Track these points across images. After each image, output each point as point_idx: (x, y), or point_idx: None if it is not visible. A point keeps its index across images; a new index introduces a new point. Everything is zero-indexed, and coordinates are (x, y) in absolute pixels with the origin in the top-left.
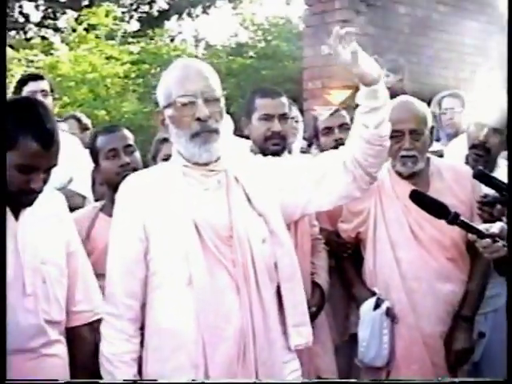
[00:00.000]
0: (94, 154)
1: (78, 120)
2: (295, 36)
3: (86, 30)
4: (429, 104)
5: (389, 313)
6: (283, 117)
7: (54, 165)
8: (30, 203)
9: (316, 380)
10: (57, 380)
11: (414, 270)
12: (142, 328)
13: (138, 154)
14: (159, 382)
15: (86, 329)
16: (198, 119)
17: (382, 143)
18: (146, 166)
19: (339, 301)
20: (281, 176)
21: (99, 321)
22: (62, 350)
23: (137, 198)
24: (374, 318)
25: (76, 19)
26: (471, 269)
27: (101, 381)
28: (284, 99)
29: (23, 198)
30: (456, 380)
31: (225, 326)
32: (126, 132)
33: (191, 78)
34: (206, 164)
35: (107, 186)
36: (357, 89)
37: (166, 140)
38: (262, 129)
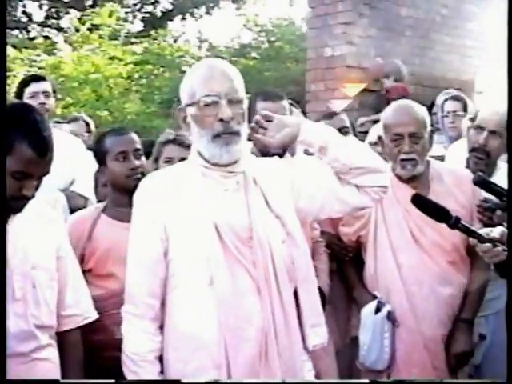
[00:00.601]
0: (101, 155)
1: (86, 122)
2: (298, 38)
3: (90, 30)
4: (432, 106)
5: (390, 316)
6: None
7: (47, 172)
8: (20, 209)
9: (316, 380)
10: (57, 380)
11: (414, 273)
12: (161, 328)
13: (144, 158)
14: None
15: (77, 333)
16: (221, 120)
17: (352, 169)
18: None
19: (341, 304)
20: (297, 181)
21: (90, 324)
22: (53, 354)
23: (157, 198)
24: (375, 322)
25: (79, 19)
26: (471, 272)
27: (101, 381)
28: (285, 102)
29: (14, 204)
30: (458, 381)
31: (246, 326)
32: (135, 135)
33: (216, 78)
34: (226, 165)
35: (113, 188)
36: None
37: (168, 142)
38: None
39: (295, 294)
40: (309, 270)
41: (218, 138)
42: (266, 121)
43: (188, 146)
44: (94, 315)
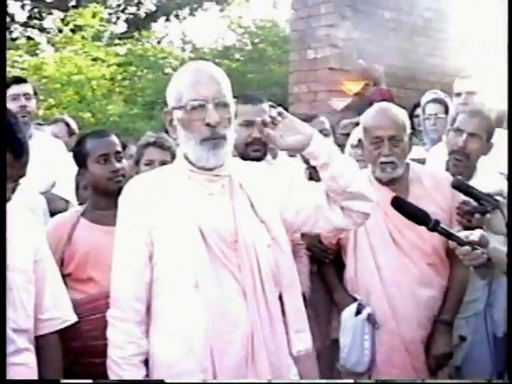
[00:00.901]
0: (82, 158)
1: (67, 124)
2: (282, 40)
3: (73, 30)
4: (415, 108)
5: (370, 319)
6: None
7: (24, 175)
8: None
9: (316, 380)
10: (57, 380)
11: (394, 276)
12: (147, 331)
13: (125, 161)
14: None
15: (55, 336)
16: (208, 124)
17: (345, 192)
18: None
19: (321, 306)
20: (285, 192)
21: (68, 330)
22: (30, 358)
23: (142, 202)
24: (356, 324)
25: (62, 20)
26: (450, 274)
27: (101, 381)
28: (265, 105)
29: None
30: (456, 381)
31: (232, 330)
32: (116, 138)
33: (203, 82)
34: (212, 169)
35: (93, 191)
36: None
37: (148, 145)
38: (243, 135)
39: (280, 299)
40: (293, 275)
41: (206, 141)
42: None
43: (169, 149)
44: (72, 318)
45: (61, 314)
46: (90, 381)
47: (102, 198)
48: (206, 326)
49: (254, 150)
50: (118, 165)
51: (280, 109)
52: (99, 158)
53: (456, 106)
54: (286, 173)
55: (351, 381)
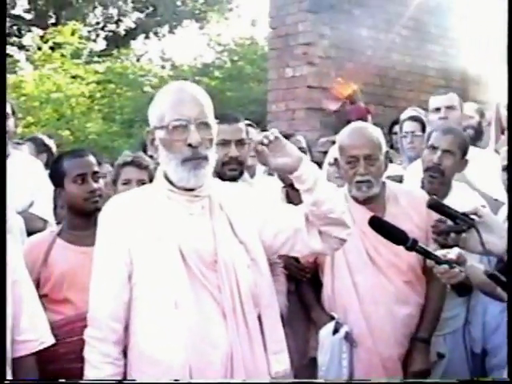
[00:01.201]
0: (58, 177)
1: (43, 142)
2: (260, 57)
3: (52, 48)
4: (393, 126)
5: (348, 337)
6: (240, 142)
7: None
8: None
9: (317, 380)
10: (57, 380)
11: (371, 294)
12: (124, 351)
13: (102, 181)
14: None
15: (32, 358)
16: (190, 145)
17: (326, 217)
18: None
19: (299, 325)
20: (264, 215)
21: (45, 350)
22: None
23: (121, 222)
24: (333, 343)
25: (41, 37)
26: (427, 291)
27: (101, 381)
28: (241, 124)
29: None
30: (456, 380)
31: (212, 351)
32: (93, 158)
33: (186, 102)
34: (192, 189)
35: (69, 211)
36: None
37: (126, 164)
38: (219, 154)
39: (258, 319)
40: (272, 296)
41: (187, 162)
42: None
43: (146, 168)
44: (50, 340)
45: (38, 335)
46: (90, 380)
47: (78, 218)
48: (186, 346)
49: (231, 169)
50: (95, 185)
51: (276, 131)
52: (76, 177)
53: (431, 123)
54: (266, 194)
55: (351, 380)
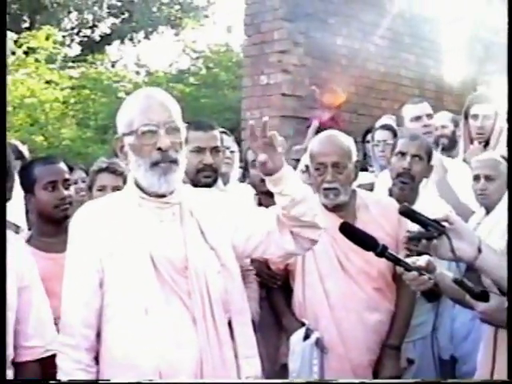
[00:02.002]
0: (29, 183)
1: (10, 149)
2: (235, 64)
3: (26, 53)
4: (366, 134)
5: (318, 343)
6: (215, 149)
7: (9, 199)
8: None
9: (316, 380)
10: (58, 380)
11: (342, 300)
12: (96, 358)
13: (73, 188)
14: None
15: (36, 365)
16: (159, 149)
17: (298, 220)
18: None
19: (270, 331)
20: (235, 219)
21: (50, 357)
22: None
23: (92, 229)
24: (304, 349)
25: (15, 42)
26: (397, 299)
27: (101, 381)
28: (216, 132)
29: None
30: (458, 381)
31: (182, 356)
32: (64, 165)
33: (154, 107)
34: (162, 196)
35: (39, 217)
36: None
37: (101, 170)
38: (194, 161)
39: (229, 325)
40: (243, 301)
41: (156, 166)
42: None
43: (121, 174)
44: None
45: (45, 342)
46: (91, 380)
47: (47, 224)
48: (156, 352)
49: (205, 176)
50: (65, 192)
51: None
52: (47, 184)
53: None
54: (237, 199)
55: (351, 380)
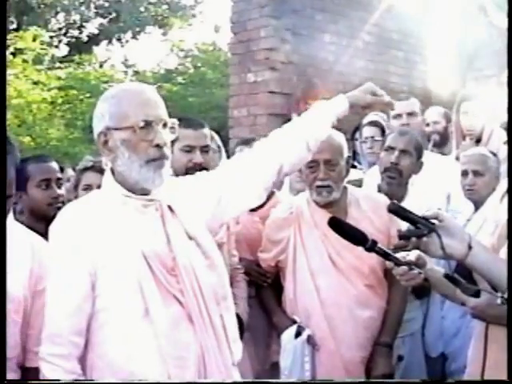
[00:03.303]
0: (21, 181)
1: None
2: (223, 63)
3: (13, 54)
4: (355, 131)
5: (310, 340)
6: (205, 148)
7: (10, 195)
8: None
9: (317, 380)
10: (58, 380)
11: (333, 297)
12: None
13: (64, 188)
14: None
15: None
16: (157, 145)
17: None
18: None
19: (260, 330)
20: (202, 193)
21: None
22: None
23: (79, 230)
24: (296, 346)
25: None
26: (389, 295)
27: (101, 381)
28: (206, 130)
29: None
30: (455, 381)
31: (186, 355)
32: (56, 164)
33: (151, 103)
34: (146, 194)
35: (29, 216)
36: None
37: (86, 169)
38: (183, 160)
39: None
40: (227, 288)
41: (152, 162)
42: None
43: None
44: None
45: None
46: (91, 380)
47: (38, 223)
48: (161, 354)
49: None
50: (58, 191)
51: None
52: (40, 182)
53: (392, 129)
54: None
55: (346, 380)
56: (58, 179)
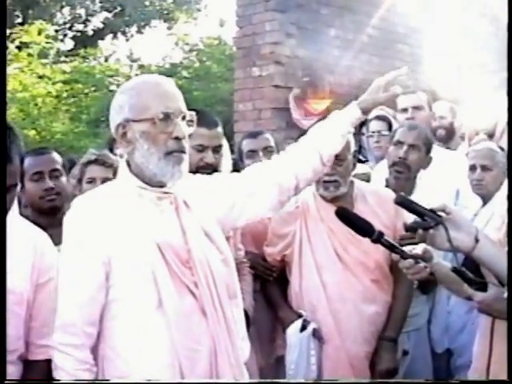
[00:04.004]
0: (20, 176)
1: None
2: (228, 57)
3: (19, 47)
4: (361, 126)
5: (315, 334)
6: (217, 148)
7: (15, 184)
8: None
9: (317, 380)
10: (58, 380)
11: (339, 291)
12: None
13: (64, 179)
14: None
15: (46, 364)
16: (177, 138)
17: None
18: None
19: (265, 324)
20: (217, 195)
21: None
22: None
23: (94, 222)
24: (301, 340)
25: (8, 37)
26: (395, 290)
27: (101, 381)
28: (220, 129)
29: None
30: (457, 381)
31: (197, 347)
32: (55, 155)
33: (170, 95)
34: (161, 186)
35: (31, 209)
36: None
37: (90, 163)
38: (194, 158)
39: None
40: (237, 285)
41: (171, 155)
42: None
43: (111, 166)
44: None
45: None
46: (92, 381)
47: (39, 216)
48: (173, 345)
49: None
50: (51, 183)
51: None
52: (33, 175)
53: (399, 123)
54: (218, 175)
55: (350, 380)
56: (54, 170)
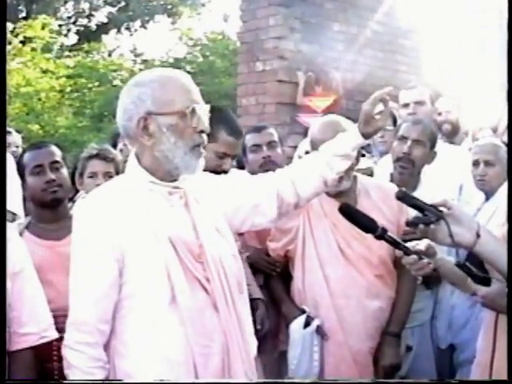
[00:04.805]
0: (21, 170)
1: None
2: (231, 52)
3: (22, 42)
4: None
5: (319, 330)
6: (235, 157)
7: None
8: None
9: (317, 380)
10: (58, 380)
11: (342, 287)
12: None
13: (65, 171)
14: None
15: (30, 352)
16: (201, 131)
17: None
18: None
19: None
20: (225, 195)
21: (45, 345)
22: None
23: (105, 217)
24: (304, 336)
25: (12, 31)
26: (398, 285)
27: (101, 381)
28: (241, 139)
29: None
30: (457, 381)
31: (210, 343)
32: (54, 148)
33: (192, 89)
34: (172, 181)
35: (33, 203)
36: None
37: (91, 157)
38: (213, 163)
39: None
40: (245, 281)
41: (195, 149)
42: None
43: (112, 160)
44: (52, 334)
45: (39, 329)
46: (93, 380)
47: (41, 210)
48: (187, 341)
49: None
50: (52, 175)
51: None
52: (34, 169)
53: (401, 118)
54: (229, 176)
55: (350, 380)
56: (53, 163)
